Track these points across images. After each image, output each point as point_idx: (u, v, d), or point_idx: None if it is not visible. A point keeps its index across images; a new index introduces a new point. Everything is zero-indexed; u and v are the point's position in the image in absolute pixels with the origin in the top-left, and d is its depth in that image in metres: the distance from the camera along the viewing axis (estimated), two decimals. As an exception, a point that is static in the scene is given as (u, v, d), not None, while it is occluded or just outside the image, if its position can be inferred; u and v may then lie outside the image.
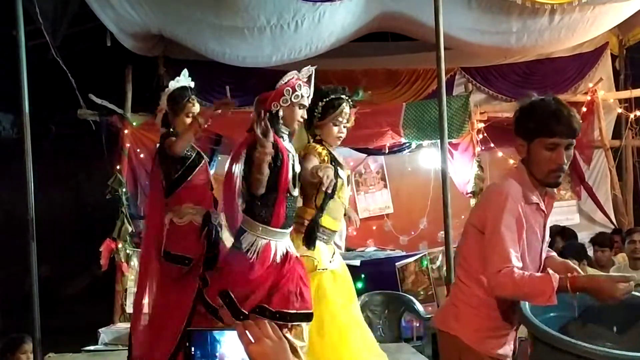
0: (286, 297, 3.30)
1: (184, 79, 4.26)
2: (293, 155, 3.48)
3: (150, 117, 7.33)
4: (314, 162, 3.58)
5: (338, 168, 3.71)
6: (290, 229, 3.51)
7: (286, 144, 3.46)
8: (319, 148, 3.69)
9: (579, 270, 2.55)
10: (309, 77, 3.58)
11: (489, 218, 2.49)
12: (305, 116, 3.54)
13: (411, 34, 7.62)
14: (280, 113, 3.44)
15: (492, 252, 2.44)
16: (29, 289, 4.30)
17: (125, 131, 7.06)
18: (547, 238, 2.70)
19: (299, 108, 3.49)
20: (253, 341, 1.43)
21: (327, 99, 3.77)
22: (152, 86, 7.91)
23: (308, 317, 3.36)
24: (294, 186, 3.45)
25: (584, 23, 6.63)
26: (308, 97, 3.52)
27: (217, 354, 1.54)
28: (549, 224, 2.69)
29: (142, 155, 7.10)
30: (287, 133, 3.52)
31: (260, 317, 3.18)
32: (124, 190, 6.78)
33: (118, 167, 6.91)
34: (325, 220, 3.68)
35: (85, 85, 6.67)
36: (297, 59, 6.95)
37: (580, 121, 2.56)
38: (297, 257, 3.49)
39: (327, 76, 7.85)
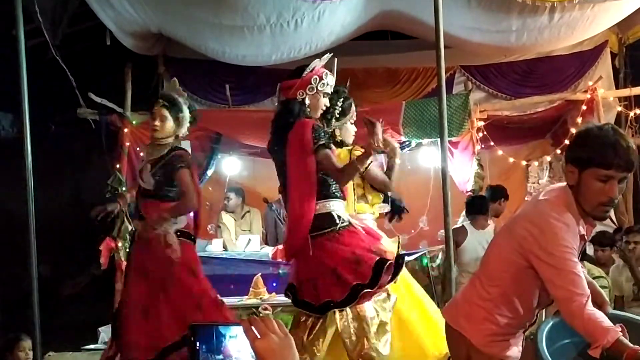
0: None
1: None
2: None
3: (149, 116, 7.34)
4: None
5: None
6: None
7: None
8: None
9: (607, 301, 2.55)
10: (331, 65, 3.65)
11: (548, 245, 2.38)
12: (328, 104, 3.57)
13: (411, 33, 7.61)
14: (307, 101, 3.48)
15: (564, 278, 2.35)
16: (28, 287, 4.31)
17: (125, 130, 7.06)
18: None
19: (323, 97, 3.53)
20: (259, 337, 1.42)
21: (343, 99, 3.82)
22: (151, 85, 7.92)
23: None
24: None
25: (583, 21, 6.63)
26: (331, 86, 3.56)
27: (222, 349, 1.53)
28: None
29: (141, 154, 7.09)
30: None
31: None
32: (123, 189, 6.78)
33: (118, 165, 6.91)
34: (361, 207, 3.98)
35: (85, 84, 6.67)
36: (297, 57, 6.95)
37: (638, 153, 2.46)
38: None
39: (327, 75, 7.87)
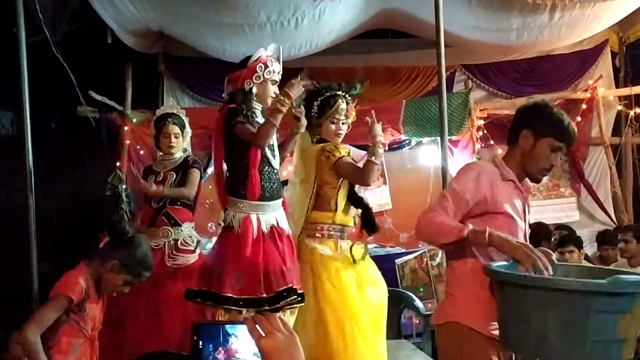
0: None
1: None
2: None
3: (150, 114, 7.34)
4: (353, 162, 3.67)
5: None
6: (276, 201, 3.51)
7: (259, 119, 3.49)
8: (341, 150, 3.70)
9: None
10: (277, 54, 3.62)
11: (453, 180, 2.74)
12: (278, 92, 3.54)
13: (411, 31, 7.61)
14: (254, 90, 3.48)
15: (437, 201, 2.65)
16: (29, 285, 4.31)
17: (125, 128, 7.06)
18: (527, 228, 2.81)
19: (272, 84, 3.52)
20: (264, 335, 1.42)
21: (322, 98, 3.76)
22: (152, 83, 7.92)
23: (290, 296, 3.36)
24: (273, 157, 3.51)
25: (584, 20, 6.63)
26: (279, 72, 3.54)
27: (227, 348, 1.52)
28: (528, 214, 2.80)
29: (142, 152, 7.10)
30: (260, 109, 3.55)
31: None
32: (123, 187, 6.77)
33: (118, 163, 6.91)
34: (341, 218, 3.70)
35: (85, 82, 6.66)
36: (297, 55, 6.95)
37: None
38: (288, 234, 3.51)
39: (327, 73, 7.86)
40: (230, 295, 3.28)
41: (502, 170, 2.71)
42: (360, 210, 3.84)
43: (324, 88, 3.83)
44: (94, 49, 7.34)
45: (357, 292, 3.57)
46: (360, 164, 3.70)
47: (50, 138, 7.27)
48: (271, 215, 3.47)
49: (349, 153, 3.72)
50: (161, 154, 4.56)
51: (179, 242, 4.24)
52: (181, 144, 4.48)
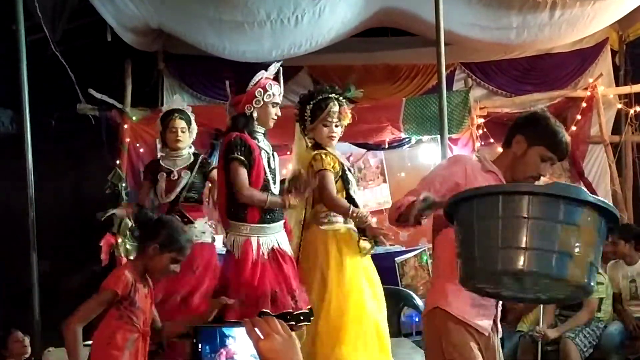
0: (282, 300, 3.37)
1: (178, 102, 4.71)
2: (268, 153, 3.55)
3: (149, 112, 7.34)
4: (332, 181, 3.68)
5: (348, 173, 3.79)
6: (277, 223, 3.55)
7: (261, 143, 3.54)
8: (328, 159, 3.71)
9: None
10: (277, 73, 3.63)
11: None
12: (279, 114, 3.56)
13: (411, 30, 7.60)
14: (255, 114, 3.49)
15: None
16: (29, 283, 4.31)
17: (125, 126, 7.05)
18: None
19: (272, 107, 3.53)
20: (262, 337, 1.42)
21: (314, 101, 3.77)
22: (151, 81, 7.92)
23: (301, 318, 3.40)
24: (273, 183, 3.52)
25: (584, 18, 6.62)
26: (280, 94, 3.54)
27: (226, 350, 1.55)
28: None
29: (141, 150, 7.10)
30: (263, 132, 3.58)
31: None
32: (123, 185, 6.77)
33: (118, 161, 6.90)
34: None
35: (85, 80, 6.66)
36: (297, 53, 6.95)
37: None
38: (290, 256, 3.55)
39: (327, 71, 7.86)
40: (232, 320, 3.32)
41: (485, 162, 2.76)
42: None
43: (317, 92, 3.84)
44: (93, 47, 7.34)
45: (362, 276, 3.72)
46: (340, 195, 3.73)
47: (50, 136, 7.28)
48: (272, 237, 3.52)
49: (334, 167, 3.72)
50: (167, 149, 4.56)
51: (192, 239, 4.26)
52: (188, 139, 4.51)
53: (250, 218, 3.45)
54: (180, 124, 4.44)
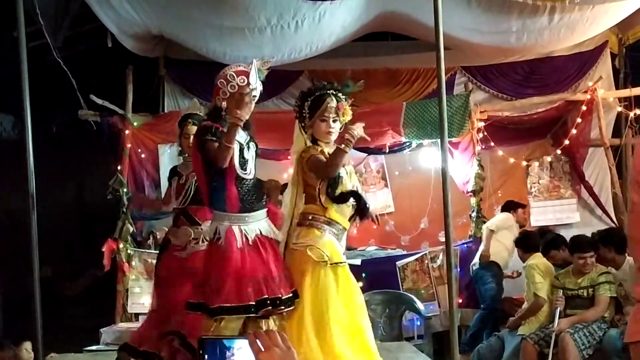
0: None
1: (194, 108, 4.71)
2: (241, 144, 3.55)
3: (151, 117, 7.36)
4: (320, 156, 3.65)
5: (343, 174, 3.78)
6: (257, 212, 3.59)
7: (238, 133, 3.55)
8: (316, 148, 3.72)
9: None
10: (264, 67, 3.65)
11: None
12: (253, 105, 3.58)
13: (411, 34, 7.63)
14: (224, 105, 3.54)
15: None
16: (31, 289, 4.32)
17: (126, 132, 7.07)
18: None
19: (239, 97, 3.52)
20: (263, 350, 1.49)
21: (312, 97, 3.78)
22: (152, 87, 7.94)
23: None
24: (243, 169, 3.54)
25: (583, 22, 6.64)
26: (248, 85, 3.54)
27: None
28: None
29: (143, 156, 7.12)
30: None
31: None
32: (125, 190, 6.79)
33: (119, 167, 6.92)
34: (335, 215, 3.70)
35: (86, 86, 6.69)
36: (298, 58, 6.97)
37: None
38: (272, 241, 3.59)
39: (327, 76, 7.87)
40: (218, 305, 3.38)
41: None
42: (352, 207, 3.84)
43: (315, 88, 3.86)
44: (94, 53, 7.37)
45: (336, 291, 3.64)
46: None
47: (52, 142, 7.29)
48: (254, 225, 3.56)
49: (322, 152, 3.73)
50: (185, 155, 4.59)
51: (199, 241, 4.25)
52: None
53: (230, 208, 3.51)
54: (193, 130, 4.37)
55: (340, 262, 3.66)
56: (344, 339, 3.58)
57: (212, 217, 3.60)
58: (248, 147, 3.61)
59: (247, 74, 3.52)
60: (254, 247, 3.50)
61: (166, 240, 4.41)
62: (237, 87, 3.51)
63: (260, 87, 3.63)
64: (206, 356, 1.58)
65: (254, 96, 3.56)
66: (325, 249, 3.62)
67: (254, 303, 3.37)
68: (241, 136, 3.59)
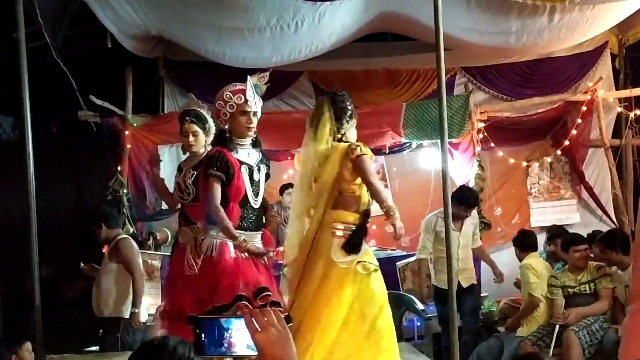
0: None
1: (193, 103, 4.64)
2: (252, 166, 3.61)
3: (150, 118, 7.36)
4: (371, 165, 3.78)
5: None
6: (253, 233, 3.65)
7: (242, 156, 3.61)
8: (367, 149, 3.76)
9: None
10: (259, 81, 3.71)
11: None
12: (255, 122, 3.59)
13: (411, 35, 7.62)
14: (227, 126, 3.54)
15: None
16: (30, 290, 4.31)
17: (126, 132, 7.07)
18: None
19: (241, 115, 3.56)
20: (259, 329, 1.51)
21: (350, 101, 3.87)
22: (152, 87, 7.93)
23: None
24: (255, 196, 3.62)
25: (583, 22, 6.64)
26: (246, 102, 3.56)
27: (225, 341, 1.61)
28: None
29: (142, 156, 7.11)
30: (246, 143, 3.64)
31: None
32: (125, 191, 6.80)
33: (119, 168, 6.92)
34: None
35: (86, 86, 6.68)
36: (297, 59, 6.97)
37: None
38: (263, 264, 3.66)
39: (327, 77, 7.88)
40: (213, 306, 3.44)
41: None
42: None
43: (344, 92, 3.99)
44: (94, 54, 7.36)
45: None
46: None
47: (51, 143, 7.29)
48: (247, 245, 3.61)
49: (371, 156, 3.79)
50: (186, 152, 4.61)
51: (197, 241, 4.21)
52: (201, 142, 4.42)
53: None
54: (191, 128, 4.41)
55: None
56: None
57: (207, 232, 3.62)
58: (259, 169, 3.63)
59: (243, 92, 3.55)
60: (246, 259, 3.57)
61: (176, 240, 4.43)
62: (235, 106, 3.54)
63: (260, 103, 3.65)
64: (203, 335, 1.59)
65: (255, 112, 3.59)
66: (370, 259, 3.73)
67: (244, 294, 3.42)
68: (252, 156, 3.61)
